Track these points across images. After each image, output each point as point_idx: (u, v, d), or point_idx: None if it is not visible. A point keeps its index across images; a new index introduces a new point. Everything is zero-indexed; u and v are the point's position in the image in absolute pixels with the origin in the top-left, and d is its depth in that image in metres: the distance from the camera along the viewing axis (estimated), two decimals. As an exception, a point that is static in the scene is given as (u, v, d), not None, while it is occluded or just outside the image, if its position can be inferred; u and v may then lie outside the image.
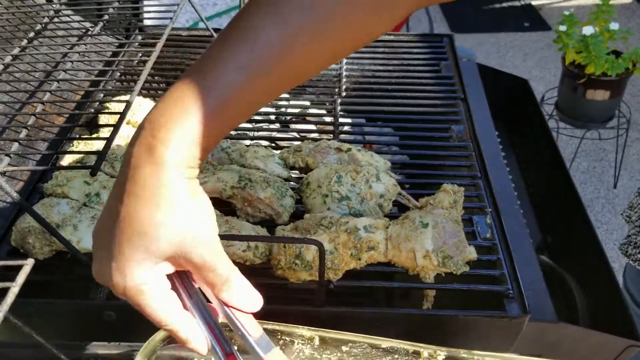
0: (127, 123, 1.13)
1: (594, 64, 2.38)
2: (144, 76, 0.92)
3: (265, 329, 0.71)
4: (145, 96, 1.28)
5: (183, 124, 0.52)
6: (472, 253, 0.91)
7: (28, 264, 0.65)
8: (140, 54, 1.41)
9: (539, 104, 2.61)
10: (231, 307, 0.58)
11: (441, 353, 0.69)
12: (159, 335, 0.70)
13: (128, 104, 0.87)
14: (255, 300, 0.59)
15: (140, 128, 0.54)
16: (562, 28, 2.47)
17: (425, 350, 0.69)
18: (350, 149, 1.06)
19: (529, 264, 0.97)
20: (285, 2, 0.55)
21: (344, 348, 0.71)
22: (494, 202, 1.04)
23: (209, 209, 0.56)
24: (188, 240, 0.53)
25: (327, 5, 0.55)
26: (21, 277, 0.63)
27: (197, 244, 0.53)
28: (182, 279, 0.59)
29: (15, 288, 0.62)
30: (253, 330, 0.59)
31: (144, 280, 0.53)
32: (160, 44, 1.01)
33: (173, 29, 1.54)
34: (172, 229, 0.52)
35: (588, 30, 2.42)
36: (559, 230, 1.27)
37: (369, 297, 1.14)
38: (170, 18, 1.11)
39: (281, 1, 0.55)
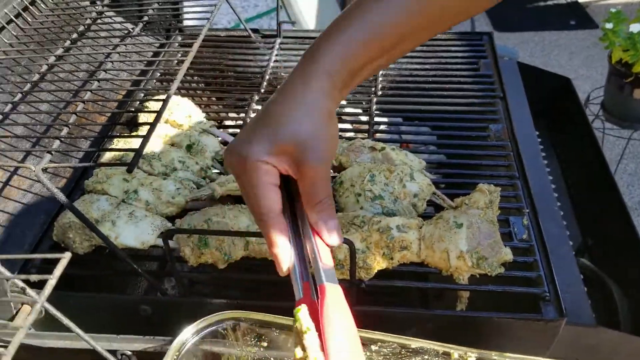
0: (166, 122, 1.16)
1: (642, 62, 2.30)
2: (180, 76, 0.94)
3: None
4: (184, 95, 1.31)
5: (334, 47, 0.60)
6: (507, 254, 0.89)
7: (65, 257, 0.67)
8: (179, 54, 1.43)
9: (585, 103, 2.55)
10: (314, 230, 0.62)
11: (472, 355, 0.68)
12: (191, 330, 0.72)
13: (164, 103, 0.89)
14: (336, 234, 0.62)
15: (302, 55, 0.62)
16: (609, 26, 2.39)
17: (456, 351, 0.68)
18: (384, 147, 1.06)
19: (567, 266, 0.95)
20: None
21: (373, 347, 0.71)
22: (531, 202, 1.02)
23: (336, 136, 0.62)
24: (310, 144, 0.58)
25: None
26: (58, 270, 0.65)
27: (316, 152, 0.59)
28: (285, 199, 0.63)
29: (52, 280, 0.64)
30: (326, 259, 0.61)
31: (264, 159, 0.59)
32: (196, 44, 1.03)
33: (212, 29, 1.57)
34: (302, 126, 0.58)
35: (636, 27, 2.34)
36: (600, 232, 1.23)
37: (403, 298, 1.13)
38: (207, 19, 1.12)
39: None
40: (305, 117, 0.59)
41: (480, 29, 4.05)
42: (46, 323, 0.90)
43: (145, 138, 0.83)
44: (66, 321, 0.75)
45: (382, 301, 1.04)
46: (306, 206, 0.61)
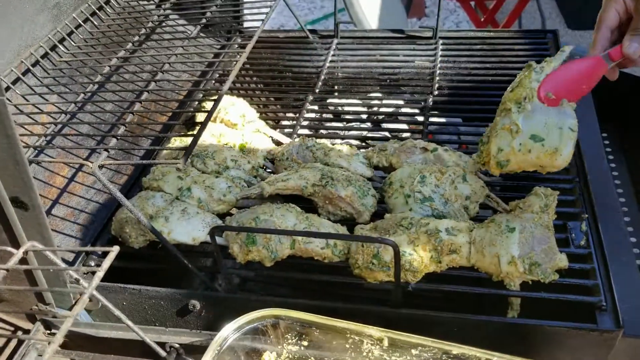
0: (221, 121, 1.18)
1: None
2: (231, 77, 0.95)
3: (334, 327, 0.71)
4: (242, 96, 1.33)
5: None
6: (562, 261, 0.86)
7: (114, 251, 0.69)
8: (238, 56, 1.46)
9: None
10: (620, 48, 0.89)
11: (516, 364, 0.66)
12: (232, 326, 0.73)
13: (215, 103, 0.91)
14: (633, 47, 0.87)
15: None
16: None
17: (500, 359, 0.66)
18: (436, 148, 1.04)
19: (629, 276, 0.89)
20: None
21: (413, 351, 0.69)
22: (591, 208, 0.97)
23: None
24: None
25: None
26: (106, 263, 0.67)
27: None
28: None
29: (100, 272, 0.66)
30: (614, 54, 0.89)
31: None
32: (249, 46, 1.05)
33: (271, 31, 1.59)
34: None
35: None
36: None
37: (458, 303, 1.10)
38: (262, 20, 1.14)
39: None
40: None
41: (552, 27, 3.90)
42: (104, 315, 0.94)
43: (195, 137, 0.85)
44: (117, 312, 0.79)
45: (435, 306, 1.02)
46: (628, 31, 0.87)
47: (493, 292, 0.88)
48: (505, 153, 0.91)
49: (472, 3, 3.19)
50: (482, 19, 3.16)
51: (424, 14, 3.91)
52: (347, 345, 0.72)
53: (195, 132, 1.11)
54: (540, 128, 0.89)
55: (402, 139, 1.12)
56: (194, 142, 0.84)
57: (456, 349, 0.67)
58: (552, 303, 0.87)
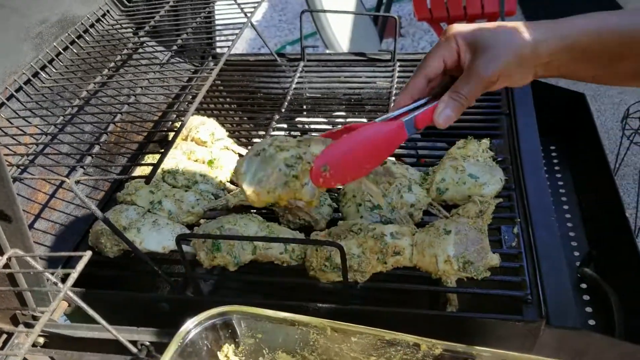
0: (192, 140, 1.28)
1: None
2: (198, 99, 1.05)
3: (285, 319, 0.81)
4: (215, 116, 1.43)
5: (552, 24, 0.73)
6: (493, 259, 0.96)
7: (86, 255, 0.78)
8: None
9: (623, 118, 2.54)
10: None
11: (439, 347, 0.75)
12: (194, 322, 0.82)
13: (182, 123, 1.01)
14: (444, 117, 0.76)
15: None
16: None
17: (425, 343, 0.76)
18: (385, 162, 1.14)
19: (557, 273, 0.99)
20: None
21: (352, 338, 0.79)
22: (524, 212, 1.08)
23: (511, 75, 0.73)
24: (489, 55, 0.72)
25: None
26: (80, 265, 0.76)
27: (488, 63, 0.72)
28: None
29: (74, 274, 0.75)
30: (420, 120, 0.77)
31: (455, 34, 0.74)
32: (216, 70, 1.15)
33: (242, 54, 1.70)
34: (498, 39, 0.72)
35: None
36: (605, 244, 1.26)
37: (416, 301, 1.19)
38: (228, 46, 1.24)
39: None
40: (504, 38, 0.71)
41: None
42: (81, 318, 1.02)
43: (163, 154, 0.94)
44: (91, 312, 0.87)
45: (388, 302, 1.11)
46: (448, 92, 0.75)
47: (432, 288, 0.97)
48: (445, 183, 1.11)
49: (443, 24, 3.32)
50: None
51: (399, 33, 4.05)
52: (297, 336, 0.81)
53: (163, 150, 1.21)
54: (478, 170, 1.11)
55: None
56: (161, 159, 0.94)
57: (388, 335, 0.77)
58: (495, 298, 0.97)
